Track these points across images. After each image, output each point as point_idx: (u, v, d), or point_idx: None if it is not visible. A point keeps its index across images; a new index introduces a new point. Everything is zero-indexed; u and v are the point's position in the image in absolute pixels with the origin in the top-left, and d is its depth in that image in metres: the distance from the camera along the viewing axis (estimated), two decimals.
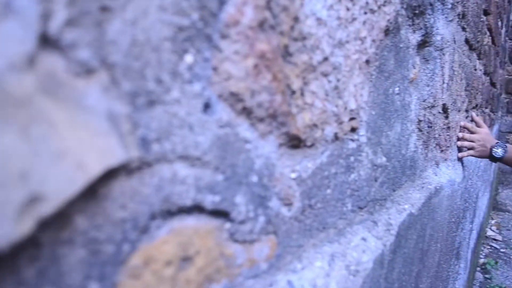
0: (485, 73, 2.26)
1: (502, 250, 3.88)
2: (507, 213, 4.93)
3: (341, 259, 0.43)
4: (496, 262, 3.53)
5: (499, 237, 4.12)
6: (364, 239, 0.49)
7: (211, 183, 0.27)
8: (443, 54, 0.95)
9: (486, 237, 4.13)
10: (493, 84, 3.13)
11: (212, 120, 0.27)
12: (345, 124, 0.44)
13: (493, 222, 4.54)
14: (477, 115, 1.71)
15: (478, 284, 3.17)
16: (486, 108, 2.76)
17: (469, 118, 1.74)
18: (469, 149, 1.44)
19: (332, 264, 0.42)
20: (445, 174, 1.08)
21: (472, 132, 1.45)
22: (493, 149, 1.49)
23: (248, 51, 0.28)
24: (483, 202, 3.51)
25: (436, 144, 1.02)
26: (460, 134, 1.39)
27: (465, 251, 2.25)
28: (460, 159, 1.38)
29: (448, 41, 1.02)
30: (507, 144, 1.49)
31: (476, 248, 3.13)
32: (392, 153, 0.63)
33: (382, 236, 0.53)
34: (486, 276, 3.30)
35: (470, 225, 2.32)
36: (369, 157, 0.52)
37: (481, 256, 3.66)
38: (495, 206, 4.95)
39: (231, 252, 0.30)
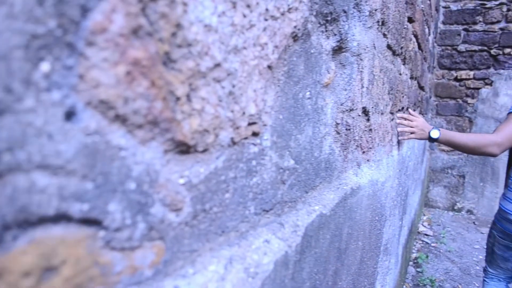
0: (412, 78, 2.38)
1: (432, 244, 4.09)
2: (437, 209, 5.21)
3: (240, 262, 0.44)
4: (427, 256, 3.71)
5: (430, 232, 4.34)
6: (267, 241, 0.50)
7: (78, 191, 0.27)
8: (361, 60, 0.99)
9: (419, 232, 4.34)
10: (421, 88, 3.30)
11: (77, 128, 0.26)
12: (243, 129, 0.45)
13: (425, 218, 4.78)
14: (409, 111, 1.94)
15: (410, 278, 3.32)
16: (415, 110, 2.90)
17: (395, 121, 1.82)
18: (410, 133, 1.88)
19: (229, 267, 0.42)
20: (366, 175, 1.12)
21: (410, 121, 1.87)
22: (431, 131, 1.90)
23: (118, 58, 0.28)
24: (414, 199, 3.69)
25: (357, 146, 1.06)
26: (405, 122, 1.85)
27: (396, 247, 2.35)
28: (389, 156, 1.44)
29: (367, 47, 1.07)
30: (441, 128, 1.90)
31: (408, 243, 3.29)
32: (303, 156, 0.65)
33: (288, 238, 0.54)
34: (418, 269, 3.47)
35: (400, 222, 2.43)
36: (274, 160, 0.53)
37: (414, 251, 3.85)
38: (426, 203, 5.22)
39: (108, 260, 0.30)
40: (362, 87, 1.04)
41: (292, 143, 0.60)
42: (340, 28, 0.81)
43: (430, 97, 4.90)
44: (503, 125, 1.91)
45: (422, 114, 3.83)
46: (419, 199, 4.18)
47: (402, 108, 2.01)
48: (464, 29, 4.93)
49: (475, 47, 4.87)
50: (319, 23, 0.71)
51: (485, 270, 2.47)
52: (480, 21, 4.87)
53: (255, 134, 0.48)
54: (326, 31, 0.75)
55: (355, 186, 0.91)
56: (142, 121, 0.31)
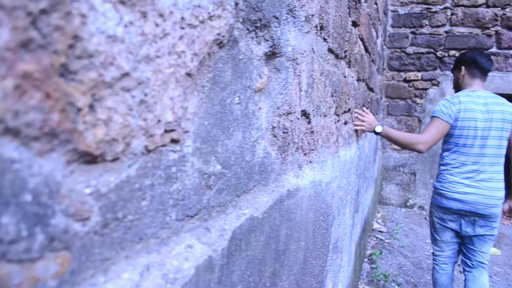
0: (359, 80, 2.45)
1: (386, 240, 4.21)
2: (391, 206, 5.37)
3: (158, 268, 0.45)
4: (381, 252, 3.82)
5: (384, 229, 4.47)
6: (190, 246, 0.51)
7: None
8: (298, 64, 1.01)
9: (373, 229, 4.46)
10: (370, 89, 3.39)
11: None
12: (158, 136, 0.45)
13: (379, 215, 4.91)
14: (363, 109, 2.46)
15: (365, 274, 3.40)
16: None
17: (341, 122, 1.87)
18: (361, 126, 2.41)
19: (146, 274, 0.43)
20: (308, 176, 1.15)
21: (363, 116, 2.43)
22: (376, 126, 2.48)
23: (5, 72, 0.28)
24: (367, 198, 3.79)
25: (297, 148, 1.08)
26: (360, 117, 2.41)
27: (348, 245, 2.41)
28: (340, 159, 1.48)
29: (305, 51, 1.10)
30: (385, 125, 2.45)
31: (362, 241, 3.37)
32: (233, 160, 0.66)
33: (214, 242, 0.55)
34: (373, 266, 3.56)
35: (352, 220, 2.50)
36: (197, 166, 0.54)
37: (368, 248, 3.95)
38: (380, 200, 5.36)
39: (5, 273, 0.30)
40: (301, 90, 1.06)
41: (219, 149, 0.61)
42: (272, 34, 0.82)
43: (381, 98, 5.05)
44: (429, 126, 2.49)
45: (374, 114, 3.95)
46: (372, 197, 4.30)
47: (349, 109, 2.06)
48: (412, 32, 5.12)
49: (422, 49, 5.06)
50: (248, 29, 0.72)
51: (433, 254, 2.77)
52: (426, 25, 5.06)
53: (174, 141, 0.49)
54: (257, 37, 0.77)
55: (293, 188, 0.94)
56: (38, 133, 0.31)
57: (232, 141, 0.65)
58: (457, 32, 5.01)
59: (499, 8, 4.91)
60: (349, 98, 1.99)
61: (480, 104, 2.44)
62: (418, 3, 5.13)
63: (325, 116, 1.41)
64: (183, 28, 0.49)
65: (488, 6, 4.95)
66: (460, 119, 2.43)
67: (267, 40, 0.81)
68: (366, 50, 2.72)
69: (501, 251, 4.23)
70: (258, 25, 0.75)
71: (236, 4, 0.65)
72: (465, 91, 2.56)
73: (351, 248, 2.62)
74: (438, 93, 5.07)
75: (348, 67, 1.97)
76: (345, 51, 1.78)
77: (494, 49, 4.94)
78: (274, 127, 0.89)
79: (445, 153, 2.59)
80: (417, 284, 3.37)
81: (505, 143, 2.43)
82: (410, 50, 5.14)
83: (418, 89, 5.13)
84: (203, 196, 0.56)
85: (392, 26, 5.19)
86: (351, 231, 2.50)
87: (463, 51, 3.25)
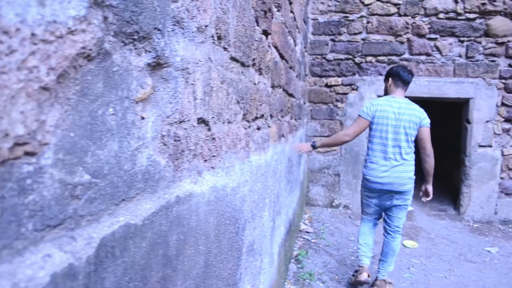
0: (274, 86, 2.53)
1: (313, 240, 4.35)
2: (318, 207, 5.55)
3: (8, 278, 0.46)
4: (307, 252, 3.94)
5: (311, 229, 4.61)
6: (49, 255, 0.52)
7: None
8: (189, 73, 1.05)
9: (300, 230, 4.59)
10: (290, 95, 3.51)
11: None
12: (5, 150, 0.46)
13: (306, 216, 5.06)
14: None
15: (292, 274, 3.49)
16: (283, 116, 3.08)
17: (253, 127, 1.93)
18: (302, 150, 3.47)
19: None
20: (208, 182, 1.19)
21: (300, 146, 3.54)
22: (311, 144, 3.49)
23: None
24: (292, 200, 3.91)
25: (195, 155, 1.11)
26: (299, 147, 3.59)
27: (269, 247, 2.48)
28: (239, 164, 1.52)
29: (200, 61, 1.13)
30: (317, 140, 3.46)
31: (287, 242, 3.47)
32: (107, 170, 0.67)
33: (79, 250, 0.57)
34: (299, 266, 3.66)
35: (272, 223, 2.57)
36: (57, 177, 0.55)
37: (295, 248, 4.06)
38: (308, 202, 5.53)
39: None
40: (195, 99, 1.10)
41: (88, 159, 0.62)
42: (155, 45, 0.85)
43: (304, 103, 5.23)
44: (353, 122, 3.41)
45: (295, 119, 4.08)
46: (298, 199, 4.43)
47: (262, 115, 2.13)
48: (332, 40, 5.34)
49: (342, 56, 5.30)
50: (124, 42, 0.74)
51: (361, 217, 3.57)
52: (344, 32, 5.31)
53: (29, 153, 0.50)
54: (136, 48, 0.79)
55: (185, 194, 0.96)
56: None
57: (105, 151, 0.67)
58: (373, 39, 5.31)
59: (410, 17, 5.27)
60: (261, 104, 2.06)
61: (395, 107, 3.17)
62: (336, 11, 5.38)
63: (229, 122, 1.45)
64: (35, 44, 0.51)
65: (400, 15, 5.29)
66: (376, 117, 3.21)
67: (149, 52, 0.84)
68: (282, 57, 2.82)
69: (419, 244, 4.51)
70: (136, 37, 0.78)
71: (105, 18, 0.67)
72: (387, 96, 3.30)
73: (273, 250, 2.69)
74: (357, 97, 5.33)
75: (259, 74, 2.03)
76: (254, 59, 1.84)
77: (406, 55, 5.29)
78: (163, 136, 0.91)
79: (368, 146, 3.32)
80: (341, 280, 3.52)
81: (412, 138, 3.18)
82: (330, 56, 5.37)
83: (339, 93, 5.37)
84: (68, 206, 0.57)
85: (313, 34, 5.40)
86: (271, 234, 2.56)
87: (392, 66, 3.90)
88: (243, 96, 1.65)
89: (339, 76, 5.35)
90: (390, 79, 3.33)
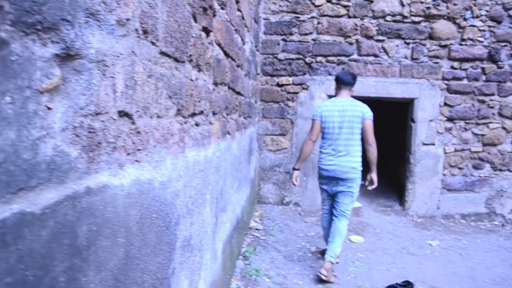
0: (217, 83, 2.55)
1: (262, 237, 4.40)
2: (269, 204, 5.61)
3: None
4: (255, 249, 3.99)
5: (260, 227, 4.66)
6: None
7: None
8: (108, 66, 1.05)
9: (250, 228, 4.63)
10: (238, 93, 3.54)
11: None
12: None
13: (257, 214, 5.11)
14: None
15: (239, 271, 3.52)
16: (229, 114, 3.11)
17: (190, 123, 1.94)
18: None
19: None
20: (131, 175, 1.19)
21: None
22: (294, 169, 4.11)
23: None
24: (241, 197, 3.94)
25: (115, 148, 1.11)
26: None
27: (211, 243, 2.49)
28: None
29: (122, 54, 1.14)
30: (295, 167, 4.08)
31: (234, 239, 3.50)
32: (2, 158, 0.67)
33: None
34: (246, 262, 3.70)
35: (214, 219, 2.59)
36: None
37: (244, 245, 4.09)
38: (259, 200, 5.59)
39: None
40: (115, 92, 1.10)
41: None
42: (64, 37, 0.85)
43: (256, 102, 5.27)
44: (311, 127, 3.90)
45: (244, 118, 4.12)
46: (248, 197, 4.47)
47: (202, 111, 2.14)
48: (283, 39, 5.42)
49: (293, 56, 5.38)
50: (25, 31, 0.74)
51: (322, 207, 4.01)
52: (296, 32, 5.39)
53: None
54: (40, 39, 0.79)
55: (98, 185, 0.97)
56: None
57: (0, 140, 0.67)
58: (323, 40, 5.43)
59: (359, 19, 5.42)
60: (199, 101, 2.07)
61: (338, 106, 3.70)
62: (288, 12, 5.46)
63: (159, 117, 1.46)
64: None
65: (349, 17, 5.43)
66: (323, 116, 3.75)
67: (57, 43, 0.84)
68: (227, 55, 2.84)
69: (364, 239, 4.66)
70: (40, 27, 0.78)
71: (1, 7, 0.67)
72: (333, 98, 3.88)
73: (217, 246, 2.71)
74: (307, 97, 5.43)
75: (198, 71, 2.05)
76: (190, 55, 1.85)
77: (355, 56, 5.44)
78: (75, 127, 0.91)
79: (321, 140, 3.84)
80: (287, 275, 3.58)
81: (357, 131, 3.64)
82: (281, 56, 5.44)
83: (290, 93, 5.46)
84: None
85: (265, 33, 5.46)
86: (214, 230, 2.58)
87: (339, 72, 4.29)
88: (176, 92, 1.66)
89: (290, 76, 5.44)
90: (335, 83, 3.88)
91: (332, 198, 3.81)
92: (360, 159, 3.67)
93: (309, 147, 3.90)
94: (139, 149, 1.28)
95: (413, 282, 3.46)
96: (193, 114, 1.98)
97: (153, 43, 1.37)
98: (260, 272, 3.56)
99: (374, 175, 3.79)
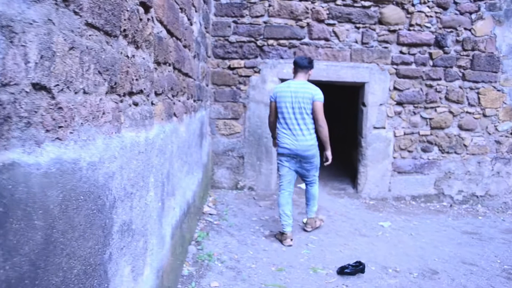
0: (160, 63, 2.45)
1: (215, 222, 4.35)
2: (223, 189, 5.57)
3: None
4: (208, 234, 3.94)
5: (214, 211, 4.61)
6: None
7: None
8: (16, 33, 0.95)
9: (203, 213, 4.57)
10: (185, 74, 3.45)
11: None
12: None
13: (210, 199, 5.06)
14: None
15: (191, 256, 3.47)
16: (175, 95, 3.02)
17: (127, 102, 1.85)
18: None
19: None
20: (50, 153, 1.10)
21: None
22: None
23: None
24: (191, 182, 3.87)
25: (29, 123, 1.02)
26: None
27: (156, 228, 2.42)
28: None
29: (36, 22, 1.04)
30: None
31: (185, 224, 3.43)
32: None
33: None
34: (199, 247, 3.65)
35: (160, 203, 2.51)
36: None
37: (197, 230, 4.03)
38: (213, 184, 5.53)
39: None
40: (28, 62, 1.01)
41: None
42: None
43: (207, 85, 5.18)
44: (269, 109, 4.20)
45: (194, 100, 4.03)
46: (200, 181, 4.40)
47: (141, 91, 2.05)
48: (234, 22, 5.33)
49: (244, 38, 5.31)
50: None
51: (279, 187, 4.18)
52: (247, 15, 5.31)
53: None
54: None
55: (4, 162, 0.88)
56: None
57: None
58: (274, 22, 5.38)
59: (310, 2, 5.40)
60: (137, 79, 1.97)
61: (292, 87, 3.97)
62: None
63: (86, 93, 1.37)
64: None
65: (300, 0, 5.40)
66: (277, 97, 4.02)
67: None
68: (171, 34, 2.74)
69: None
70: None
71: None
72: (288, 81, 4.12)
73: (164, 231, 2.64)
74: (260, 80, 5.39)
75: (136, 48, 1.95)
76: (125, 30, 1.76)
77: (306, 39, 5.43)
78: None
79: (278, 120, 4.07)
80: (240, 259, 3.56)
81: (308, 111, 3.93)
82: (233, 38, 5.36)
83: (242, 76, 5.39)
84: None
85: (215, 15, 5.35)
86: (160, 214, 2.51)
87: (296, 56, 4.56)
88: (108, 67, 1.56)
89: (242, 59, 5.37)
90: (293, 66, 4.14)
91: (293, 174, 4.15)
92: (315, 137, 4.04)
93: (272, 126, 4.28)
94: (61, 126, 1.19)
95: (364, 262, 3.52)
96: (131, 93, 1.89)
97: (76, 13, 1.27)
98: (213, 256, 3.51)
99: (328, 153, 4.21)
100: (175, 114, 3.02)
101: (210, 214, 4.57)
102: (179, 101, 3.28)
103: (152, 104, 2.34)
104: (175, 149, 2.99)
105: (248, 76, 5.39)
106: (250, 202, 5.17)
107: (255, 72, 5.39)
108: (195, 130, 4.12)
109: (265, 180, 5.57)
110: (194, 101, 4.09)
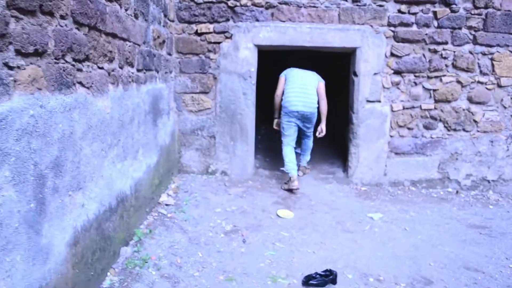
0: (31, 11, 1.73)
1: (169, 215, 3.66)
2: (191, 174, 4.87)
3: None
4: (150, 231, 3.26)
5: (172, 201, 3.93)
6: None
7: None
8: None
9: (159, 203, 3.89)
10: (112, 36, 2.73)
11: None
12: None
13: (173, 186, 4.36)
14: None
15: (121, 261, 2.80)
16: (85, 60, 2.31)
17: None
18: None
19: None
20: None
21: None
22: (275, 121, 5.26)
23: None
24: (134, 168, 3.18)
25: None
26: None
27: (22, 239, 1.74)
28: None
29: None
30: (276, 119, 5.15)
31: (111, 223, 2.74)
32: None
33: None
34: (135, 249, 2.96)
35: (33, 205, 1.82)
36: None
37: (141, 227, 3.35)
38: (180, 169, 4.83)
39: None
40: None
41: None
42: None
43: (170, 54, 4.44)
44: (278, 84, 4.86)
45: (139, 70, 3.31)
46: (152, 167, 3.70)
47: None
48: None
49: None
50: None
51: (282, 142, 4.87)
52: None
53: None
54: None
55: None
56: None
57: None
58: None
59: None
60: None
61: (300, 70, 4.84)
62: None
63: None
64: None
65: None
66: (288, 74, 4.83)
67: None
68: None
69: (295, 213, 3.97)
70: None
71: None
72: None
73: (46, 240, 1.94)
74: (232, 47, 4.61)
75: None
76: None
77: None
78: None
79: (285, 91, 4.75)
80: (183, 264, 2.87)
81: (315, 87, 4.76)
82: None
83: (211, 43, 4.62)
84: None
85: None
86: (34, 219, 1.82)
87: None
88: None
89: (210, 23, 4.57)
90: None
91: (295, 134, 4.84)
92: (317, 104, 4.74)
93: (278, 101, 4.86)
94: None
95: (338, 270, 2.82)
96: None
97: None
98: (149, 261, 2.83)
99: (323, 125, 4.90)
100: (82, 84, 2.31)
101: (167, 204, 3.89)
102: (100, 68, 2.57)
103: (9, 67, 1.63)
104: (81, 130, 2.28)
105: (219, 43, 4.61)
106: (219, 190, 4.46)
107: (227, 38, 4.60)
108: (141, 107, 3.40)
109: (240, 163, 4.85)
110: (139, 70, 3.36)
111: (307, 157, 5.21)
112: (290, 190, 4.53)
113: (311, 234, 3.52)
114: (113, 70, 2.79)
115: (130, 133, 3.15)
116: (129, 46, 3.09)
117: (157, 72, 3.91)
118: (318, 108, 4.74)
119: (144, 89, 3.49)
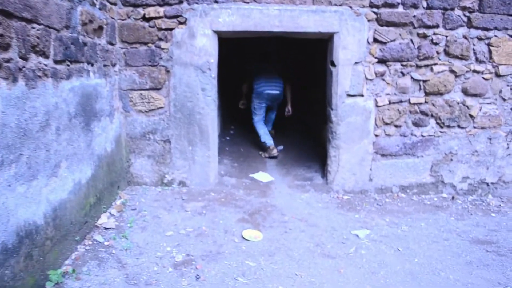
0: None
1: (106, 243, 2.89)
2: (143, 185, 4.11)
3: None
4: (74, 270, 2.51)
5: (113, 224, 3.17)
6: None
7: None
8: None
9: (97, 226, 3.14)
10: (13, 16, 1.99)
11: None
12: None
13: (117, 202, 3.60)
14: None
15: None
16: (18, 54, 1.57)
17: None
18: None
19: None
20: None
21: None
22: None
23: None
24: (50, 189, 2.44)
25: None
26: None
27: None
28: None
29: None
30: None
31: (11, 265, 2.02)
32: None
33: None
34: None
35: None
36: None
37: (66, 263, 2.62)
38: (130, 180, 4.05)
39: None
40: None
41: None
42: None
43: (113, 43, 3.68)
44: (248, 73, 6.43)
45: (57, 62, 2.56)
46: (81, 184, 2.94)
47: None
48: None
49: None
50: None
51: (252, 119, 5.93)
52: None
53: None
54: None
55: None
56: None
57: None
58: None
59: None
60: None
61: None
62: None
63: None
64: None
65: None
66: (256, 65, 6.08)
67: None
68: None
69: (264, 234, 3.26)
70: None
71: None
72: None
73: None
74: (186, 34, 3.87)
75: None
76: None
77: None
78: None
79: (254, 82, 5.83)
80: None
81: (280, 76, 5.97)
82: None
83: (161, 29, 3.86)
84: None
85: None
86: None
87: None
88: None
89: (160, 5, 3.82)
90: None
91: (264, 112, 5.94)
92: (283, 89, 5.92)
93: (247, 89, 6.12)
94: None
95: None
96: None
97: None
98: None
99: (289, 106, 6.15)
100: None
101: (106, 228, 3.15)
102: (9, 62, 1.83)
103: None
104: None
105: (171, 29, 3.86)
106: (174, 205, 3.72)
107: (180, 23, 3.86)
108: (62, 108, 2.65)
109: (201, 171, 4.12)
110: (58, 62, 2.61)
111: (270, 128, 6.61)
112: (274, 157, 5.55)
113: (284, 263, 2.83)
114: (8, 61, 2.04)
115: (43, 144, 2.40)
116: (37, 30, 2.34)
117: (91, 65, 3.16)
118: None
119: (67, 86, 2.74)
